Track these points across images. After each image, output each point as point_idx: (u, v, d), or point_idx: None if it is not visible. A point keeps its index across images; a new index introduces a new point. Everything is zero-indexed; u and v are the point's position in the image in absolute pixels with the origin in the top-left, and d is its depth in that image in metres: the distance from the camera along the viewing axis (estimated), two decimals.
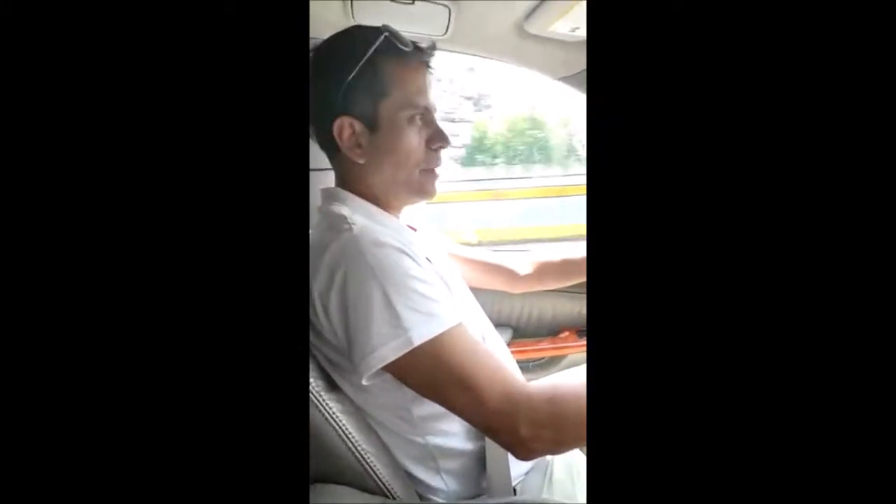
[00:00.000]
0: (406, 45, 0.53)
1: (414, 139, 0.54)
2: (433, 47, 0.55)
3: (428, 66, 0.55)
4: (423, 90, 0.55)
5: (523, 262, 0.82)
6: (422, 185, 0.56)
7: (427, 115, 0.55)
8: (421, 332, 0.44)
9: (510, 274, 0.81)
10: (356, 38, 0.53)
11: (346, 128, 0.53)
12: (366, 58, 0.51)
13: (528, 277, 0.81)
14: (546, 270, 0.81)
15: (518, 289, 0.83)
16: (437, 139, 0.55)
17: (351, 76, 0.51)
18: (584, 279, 0.80)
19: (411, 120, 0.53)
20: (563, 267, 0.80)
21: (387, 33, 0.52)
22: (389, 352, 0.44)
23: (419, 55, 0.54)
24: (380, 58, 0.52)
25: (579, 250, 0.80)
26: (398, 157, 0.54)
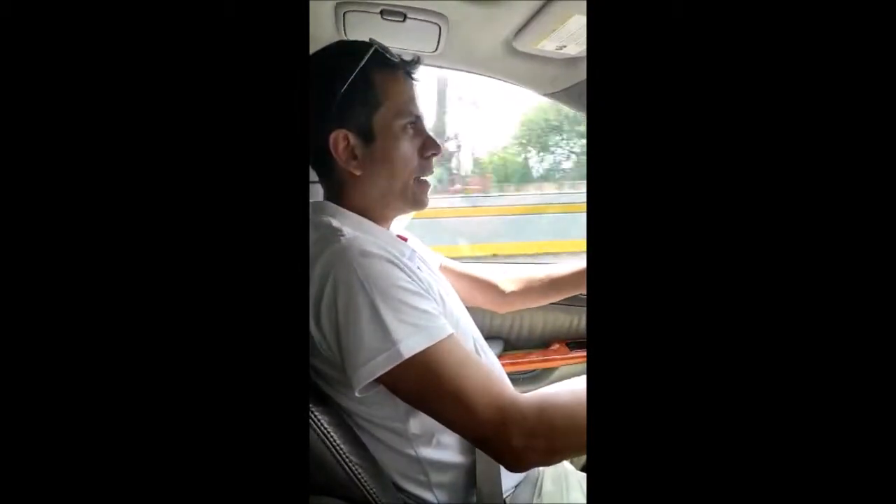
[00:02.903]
0: (394, 57, 0.55)
1: (408, 148, 0.55)
2: (418, 60, 0.57)
3: (413, 78, 0.57)
4: (413, 100, 0.56)
5: (509, 280, 0.82)
6: (416, 195, 0.57)
7: (418, 124, 0.57)
8: (410, 345, 0.44)
9: (497, 292, 0.81)
10: (344, 53, 0.55)
11: (340, 141, 0.53)
12: (357, 70, 0.52)
13: (513, 296, 0.81)
14: (530, 289, 0.82)
15: (503, 308, 0.84)
16: (429, 147, 0.57)
17: (343, 89, 0.52)
18: (568, 295, 0.81)
19: (405, 129, 0.55)
20: (548, 284, 0.81)
21: (376, 46, 0.54)
22: (379, 365, 0.44)
23: (405, 67, 0.56)
24: (371, 70, 0.53)
25: (563, 267, 0.81)
26: (395, 167, 0.55)
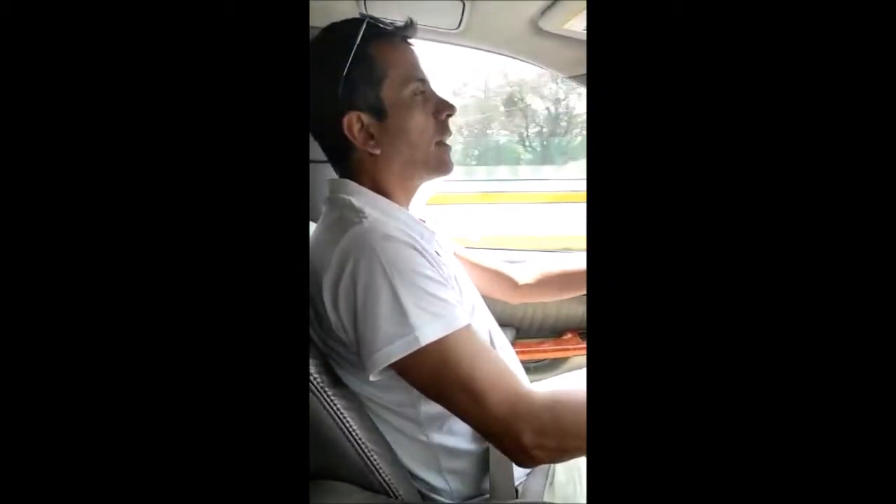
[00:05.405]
0: (388, 25, 0.53)
1: (422, 114, 0.54)
2: (412, 24, 0.55)
3: (409, 43, 0.55)
4: (415, 64, 0.55)
5: (523, 271, 0.81)
6: (439, 160, 0.56)
7: (427, 88, 0.55)
8: (427, 333, 0.43)
9: (510, 283, 0.80)
10: (338, 34, 0.53)
11: (355, 123, 0.52)
12: (355, 48, 0.50)
13: (526, 287, 0.80)
14: (545, 282, 0.80)
15: (516, 299, 0.82)
16: (443, 108, 0.55)
17: (345, 71, 0.50)
18: (583, 291, 0.79)
19: (414, 95, 0.53)
20: (563, 279, 0.79)
21: (368, 19, 0.52)
22: (395, 350, 0.43)
23: (401, 32, 0.54)
24: (368, 44, 0.51)
25: (579, 262, 0.79)
26: (412, 137, 0.53)
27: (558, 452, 0.45)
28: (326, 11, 0.60)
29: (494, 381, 0.44)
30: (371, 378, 0.46)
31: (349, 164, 0.55)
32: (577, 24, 0.72)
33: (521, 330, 1.09)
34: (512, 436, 0.43)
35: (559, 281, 0.79)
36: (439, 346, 0.43)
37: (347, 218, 0.48)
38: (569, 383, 0.82)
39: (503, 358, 0.52)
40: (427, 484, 0.54)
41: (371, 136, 0.53)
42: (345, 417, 0.47)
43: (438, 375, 0.44)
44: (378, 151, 0.53)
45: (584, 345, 1.07)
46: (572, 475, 0.61)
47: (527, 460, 0.45)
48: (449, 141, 0.57)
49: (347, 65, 0.50)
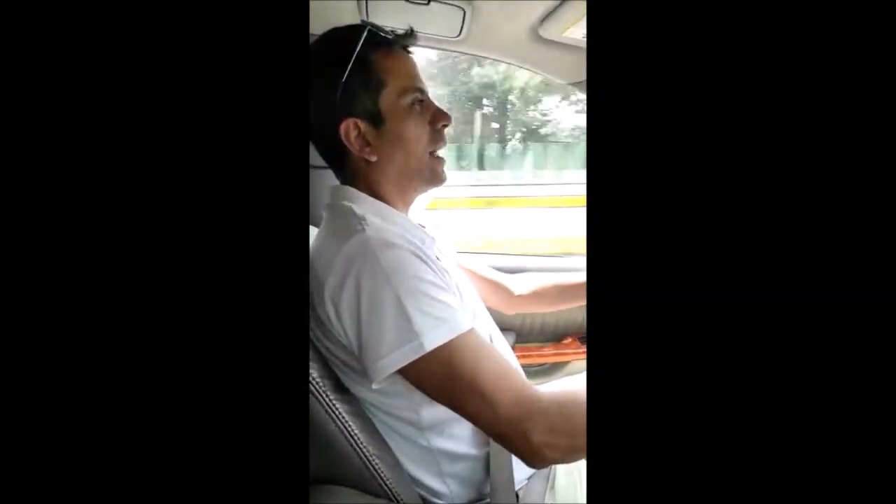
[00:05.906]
0: (388, 34, 0.53)
1: (418, 123, 0.54)
2: (412, 33, 0.55)
3: (408, 52, 0.56)
4: (414, 73, 0.55)
5: (519, 282, 0.81)
6: (433, 170, 0.56)
7: (424, 98, 0.55)
8: (432, 338, 0.43)
9: (506, 293, 0.80)
10: (339, 40, 0.53)
11: (352, 129, 0.52)
12: (355, 55, 0.50)
13: (521, 299, 0.80)
14: (541, 293, 0.80)
15: (511, 309, 0.82)
16: (439, 118, 0.55)
17: (344, 77, 0.50)
18: (579, 303, 0.79)
19: (412, 105, 0.53)
20: (558, 291, 0.80)
21: (369, 26, 0.52)
22: (401, 357, 0.43)
23: (401, 41, 0.54)
24: (368, 51, 0.51)
25: (574, 274, 0.80)
26: (408, 146, 0.54)
27: (568, 451, 0.45)
28: (327, 17, 0.61)
29: (501, 383, 0.44)
30: (374, 385, 0.46)
31: (347, 170, 0.56)
32: (577, 32, 0.72)
33: (522, 334, 1.09)
34: (521, 436, 0.43)
35: (554, 292, 0.80)
36: (445, 350, 0.44)
37: (349, 225, 0.49)
38: (574, 383, 0.83)
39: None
40: (428, 488, 0.55)
41: (367, 143, 0.53)
42: (347, 422, 0.47)
43: (445, 379, 0.44)
44: (374, 158, 0.53)
45: (584, 349, 1.07)
46: (573, 479, 0.61)
47: (537, 460, 0.45)
48: (441, 153, 0.57)
49: (347, 71, 0.50)
